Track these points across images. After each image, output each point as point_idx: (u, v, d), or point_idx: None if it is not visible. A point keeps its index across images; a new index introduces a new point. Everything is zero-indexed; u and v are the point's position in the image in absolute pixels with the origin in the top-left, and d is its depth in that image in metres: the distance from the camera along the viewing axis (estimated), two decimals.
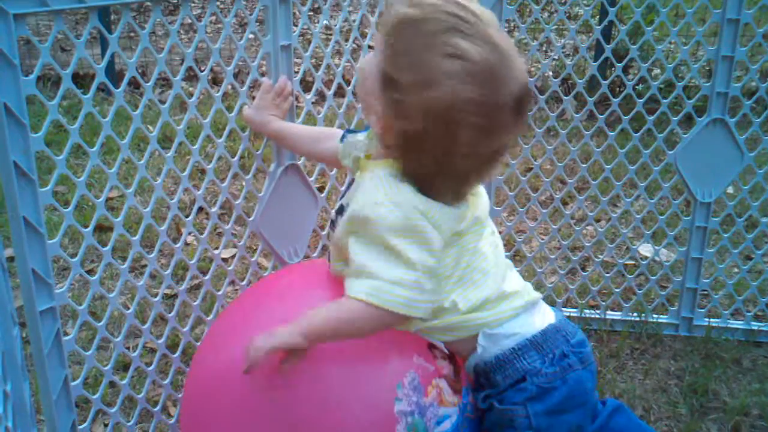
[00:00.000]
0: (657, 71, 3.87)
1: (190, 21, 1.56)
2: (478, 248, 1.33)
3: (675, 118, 2.26)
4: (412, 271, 1.22)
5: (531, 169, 2.44)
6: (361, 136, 1.44)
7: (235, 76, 1.68)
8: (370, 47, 1.37)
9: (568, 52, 4.92)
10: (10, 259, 1.41)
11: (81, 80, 3.98)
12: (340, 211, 1.34)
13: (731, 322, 2.43)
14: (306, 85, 1.82)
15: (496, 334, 1.32)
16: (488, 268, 1.34)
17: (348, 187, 1.39)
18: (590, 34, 3.55)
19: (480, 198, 1.37)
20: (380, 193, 1.24)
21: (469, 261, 1.31)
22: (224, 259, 1.81)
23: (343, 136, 1.52)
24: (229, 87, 1.70)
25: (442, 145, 1.19)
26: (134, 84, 1.50)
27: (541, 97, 2.26)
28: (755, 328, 2.40)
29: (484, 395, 1.34)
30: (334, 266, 1.37)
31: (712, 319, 2.43)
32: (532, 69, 4.72)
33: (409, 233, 1.22)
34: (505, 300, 1.34)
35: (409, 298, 1.22)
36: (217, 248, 1.76)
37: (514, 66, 1.19)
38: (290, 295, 1.40)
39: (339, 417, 1.22)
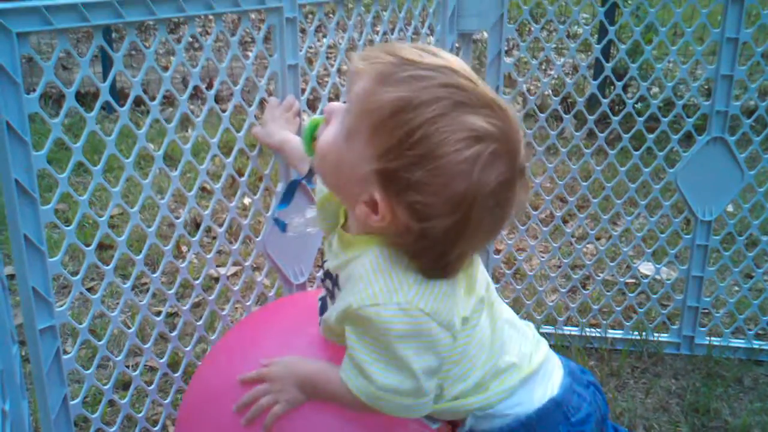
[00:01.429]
0: (656, 90, 3.89)
1: (191, 39, 1.57)
2: (474, 332, 1.21)
3: (675, 137, 2.27)
4: (411, 379, 1.14)
5: (531, 187, 2.44)
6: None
7: (240, 95, 1.68)
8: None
9: (567, 71, 4.94)
10: (11, 276, 1.41)
11: (82, 98, 3.99)
12: (329, 276, 1.25)
13: (732, 340, 2.42)
14: (309, 104, 1.83)
15: (486, 415, 1.25)
16: (482, 350, 1.23)
17: (329, 246, 1.28)
18: (590, 53, 3.57)
19: (477, 268, 1.24)
20: (380, 290, 1.11)
21: (464, 350, 1.20)
22: (228, 278, 1.80)
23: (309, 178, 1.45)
24: (234, 106, 1.70)
25: (458, 231, 1.08)
26: (135, 102, 1.50)
27: (542, 115, 2.27)
28: (756, 346, 2.40)
29: None
30: (326, 335, 1.28)
31: (713, 338, 2.42)
32: (532, 88, 4.74)
33: (413, 340, 1.12)
34: (498, 378, 1.24)
35: (404, 404, 1.16)
36: (219, 266, 1.76)
37: (515, 120, 1.10)
38: (292, 323, 1.39)
39: None
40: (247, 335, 1.39)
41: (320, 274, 1.31)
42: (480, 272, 1.25)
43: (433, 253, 1.10)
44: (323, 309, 1.30)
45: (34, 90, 1.31)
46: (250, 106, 1.70)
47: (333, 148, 1.13)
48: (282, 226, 1.69)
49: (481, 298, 1.22)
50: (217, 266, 1.78)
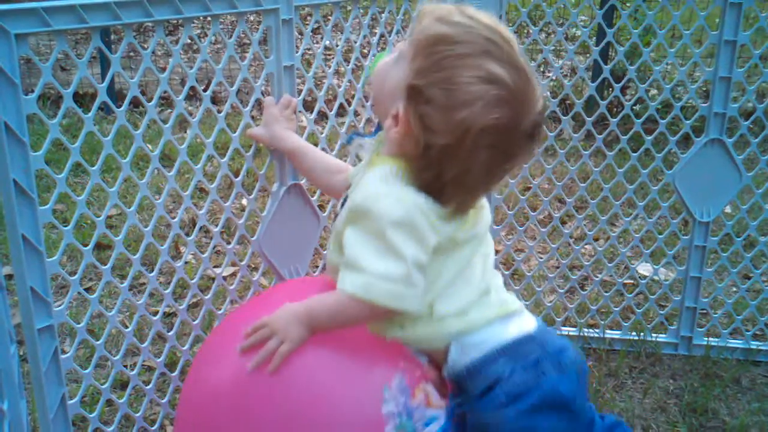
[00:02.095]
0: (655, 92, 3.89)
1: (189, 41, 1.57)
2: (469, 261, 1.35)
3: (673, 138, 2.27)
4: (403, 264, 1.24)
5: (530, 188, 2.45)
6: (368, 140, 1.47)
7: (236, 95, 1.69)
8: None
9: (566, 73, 4.95)
10: (9, 276, 1.42)
11: (80, 99, 3.99)
12: (344, 202, 1.38)
13: (730, 341, 2.43)
14: (306, 105, 1.83)
15: (465, 344, 1.33)
16: (473, 280, 1.35)
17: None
18: (588, 55, 3.57)
19: (483, 211, 1.39)
20: (385, 187, 1.28)
21: (457, 271, 1.33)
22: (224, 278, 1.81)
23: (351, 138, 1.53)
24: (231, 107, 1.70)
25: (462, 162, 1.23)
26: (133, 103, 1.50)
27: None
28: (754, 347, 2.40)
29: (457, 403, 1.35)
30: (331, 256, 1.38)
31: (711, 339, 2.42)
32: None
33: (405, 228, 1.24)
34: (479, 308, 1.35)
35: (396, 291, 1.24)
36: (216, 267, 1.76)
37: (537, 92, 1.26)
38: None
39: (329, 414, 1.24)
40: (243, 321, 1.39)
41: (338, 203, 1.44)
42: (484, 219, 1.39)
43: (431, 172, 1.26)
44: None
45: (33, 91, 1.31)
46: (247, 107, 1.70)
47: (385, 67, 1.34)
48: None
49: (479, 236, 1.37)
50: (215, 266, 1.78)
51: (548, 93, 4.15)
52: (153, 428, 1.71)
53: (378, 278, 1.24)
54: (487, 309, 1.35)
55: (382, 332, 1.33)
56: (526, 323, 1.39)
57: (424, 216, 1.26)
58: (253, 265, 2.39)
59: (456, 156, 1.23)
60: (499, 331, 1.35)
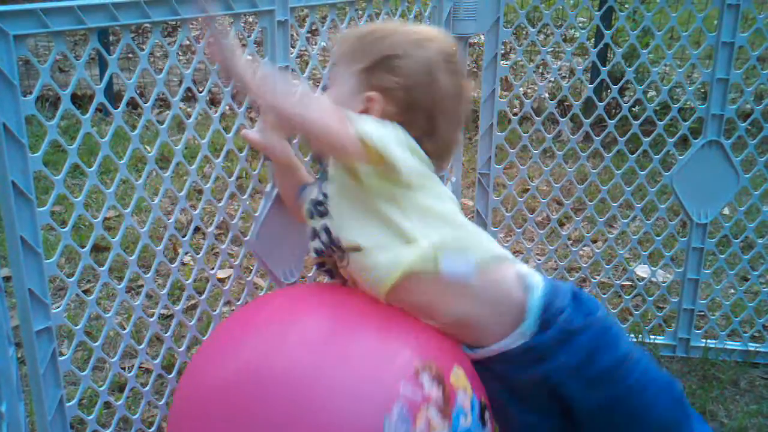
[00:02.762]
0: (652, 93, 3.90)
1: (188, 42, 1.57)
2: (444, 191, 1.47)
3: (671, 140, 2.28)
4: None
5: (528, 190, 2.45)
6: (314, 185, 1.55)
7: (233, 97, 1.69)
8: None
9: (564, 75, 4.95)
10: (7, 278, 1.41)
11: (79, 100, 3.99)
12: (319, 202, 1.49)
13: (728, 343, 2.43)
14: None
15: (532, 307, 1.39)
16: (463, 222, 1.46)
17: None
18: (586, 57, 3.58)
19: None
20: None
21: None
22: (220, 280, 1.81)
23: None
24: (227, 108, 1.70)
25: (437, 90, 1.44)
26: (132, 104, 1.50)
27: (538, 118, 2.28)
28: (752, 349, 2.40)
29: (555, 366, 1.37)
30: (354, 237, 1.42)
31: (709, 340, 2.43)
32: (529, 91, 4.75)
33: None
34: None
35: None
36: (213, 268, 1.76)
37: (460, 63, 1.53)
38: (277, 318, 1.38)
39: None
40: (237, 330, 1.38)
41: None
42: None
43: (420, 131, 1.43)
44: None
45: (31, 92, 1.31)
46: (240, 108, 1.70)
47: (330, 95, 1.50)
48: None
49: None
50: (211, 268, 1.78)
51: (546, 94, 4.16)
52: (150, 430, 1.71)
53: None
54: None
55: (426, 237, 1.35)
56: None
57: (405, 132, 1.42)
58: (249, 267, 2.39)
59: (431, 88, 1.43)
60: (536, 279, 1.44)
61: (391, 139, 1.36)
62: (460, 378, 1.33)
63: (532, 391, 1.43)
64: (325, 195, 1.46)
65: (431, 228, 1.36)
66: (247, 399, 1.23)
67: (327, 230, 1.44)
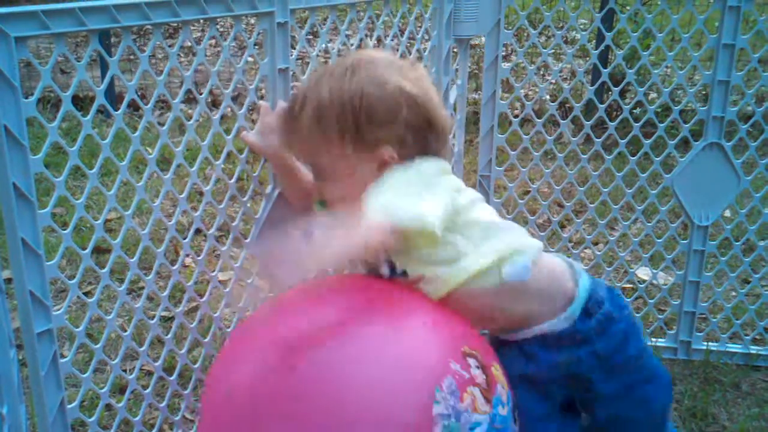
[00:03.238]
0: (653, 95, 3.90)
1: (189, 44, 1.57)
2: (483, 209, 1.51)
3: (672, 142, 2.28)
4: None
5: (528, 192, 2.44)
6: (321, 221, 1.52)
7: (234, 99, 1.69)
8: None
9: (565, 77, 4.95)
10: (8, 280, 1.41)
11: (80, 102, 3.99)
12: None
13: (729, 345, 2.43)
14: None
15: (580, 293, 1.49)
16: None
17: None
18: (587, 59, 3.57)
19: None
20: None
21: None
22: (221, 282, 1.81)
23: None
24: (228, 110, 1.70)
25: (420, 113, 1.44)
26: (133, 106, 1.50)
27: (539, 120, 2.28)
28: (754, 351, 2.40)
29: (591, 350, 1.48)
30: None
31: (710, 343, 2.42)
32: (530, 93, 4.75)
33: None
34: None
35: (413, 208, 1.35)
36: (213, 270, 1.76)
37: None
38: (304, 312, 1.40)
39: (377, 411, 1.22)
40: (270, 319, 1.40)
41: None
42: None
43: (417, 140, 1.44)
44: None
45: (32, 94, 1.31)
46: (241, 109, 1.70)
47: (340, 188, 1.48)
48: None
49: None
50: (212, 270, 1.78)
51: (547, 96, 4.16)
52: None
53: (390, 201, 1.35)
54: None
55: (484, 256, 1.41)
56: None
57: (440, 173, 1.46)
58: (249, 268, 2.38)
59: (418, 109, 1.43)
60: (585, 278, 1.52)
61: (414, 201, 1.35)
62: (498, 372, 1.40)
63: (551, 375, 1.50)
64: None
65: (484, 240, 1.43)
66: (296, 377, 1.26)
67: (391, 264, 1.46)
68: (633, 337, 1.53)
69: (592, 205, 2.36)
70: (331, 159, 1.46)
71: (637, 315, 2.43)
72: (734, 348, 2.42)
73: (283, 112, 1.54)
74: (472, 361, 1.34)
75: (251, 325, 1.44)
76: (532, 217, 2.39)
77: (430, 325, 1.36)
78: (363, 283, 1.47)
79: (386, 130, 1.41)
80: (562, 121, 2.31)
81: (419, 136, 1.44)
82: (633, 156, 2.30)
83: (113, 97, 3.98)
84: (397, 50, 2.06)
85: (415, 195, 1.36)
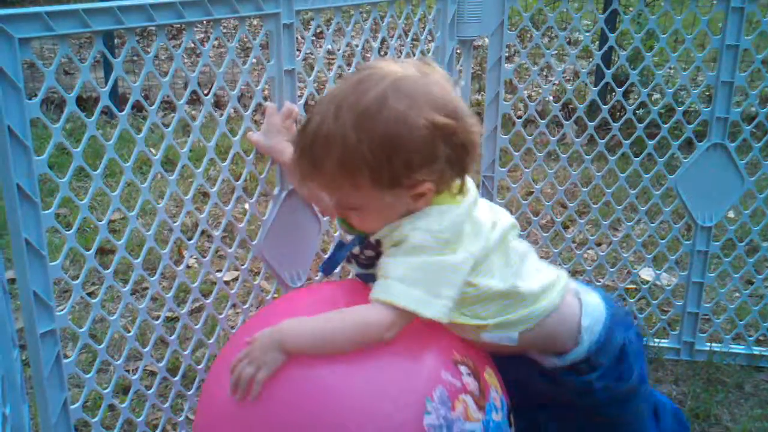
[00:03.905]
0: (657, 96, 3.89)
1: (192, 45, 1.58)
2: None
3: (675, 143, 2.27)
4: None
5: (532, 192, 2.44)
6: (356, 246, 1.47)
7: (238, 99, 1.69)
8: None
9: (568, 77, 4.95)
10: (12, 281, 1.41)
11: (84, 103, 4.00)
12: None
13: (733, 346, 2.42)
14: (307, 109, 1.83)
15: (590, 326, 1.48)
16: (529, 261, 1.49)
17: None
18: (590, 60, 3.57)
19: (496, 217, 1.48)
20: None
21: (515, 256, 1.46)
22: (226, 282, 1.81)
23: (342, 257, 1.51)
24: (233, 111, 1.71)
25: (452, 138, 1.31)
26: (137, 107, 1.50)
27: (542, 121, 2.28)
28: (757, 352, 2.40)
29: (598, 376, 1.48)
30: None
31: (713, 344, 2.42)
32: (533, 94, 4.75)
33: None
34: (553, 287, 1.48)
35: (416, 296, 1.30)
36: (219, 271, 1.76)
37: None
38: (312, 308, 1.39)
39: (369, 425, 1.22)
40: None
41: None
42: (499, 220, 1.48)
43: (450, 165, 1.33)
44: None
45: (36, 95, 1.32)
46: (246, 110, 1.70)
47: (362, 213, 1.37)
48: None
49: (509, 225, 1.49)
50: (217, 271, 1.79)
51: (551, 97, 4.15)
52: None
53: (398, 282, 1.30)
54: (556, 285, 1.49)
55: (484, 320, 1.39)
56: (581, 286, 1.57)
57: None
58: (255, 270, 2.39)
59: (449, 135, 1.31)
60: (596, 302, 1.52)
61: (425, 297, 1.30)
62: (492, 377, 1.40)
63: (547, 389, 1.53)
64: None
65: (486, 310, 1.41)
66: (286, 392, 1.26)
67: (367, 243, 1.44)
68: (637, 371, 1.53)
69: (595, 206, 2.35)
70: (360, 199, 1.34)
71: (641, 316, 2.43)
72: (737, 349, 2.42)
73: (298, 150, 1.35)
74: (463, 369, 1.34)
75: (250, 330, 1.44)
76: (536, 218, 2.39)
77: (419, 335, 1.33)
78: (358, 291, 1.42)
79: (426, 172, 1.30)
80: (565, 122, 2.31)
81: (457, 163, 1.34)
82: (636, 157, 2.30)
83: (117, 98, 3.99)
84: (401, 52, 2.06)
85: (427, 283, 1.30)
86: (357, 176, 1.29)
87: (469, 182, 1.44)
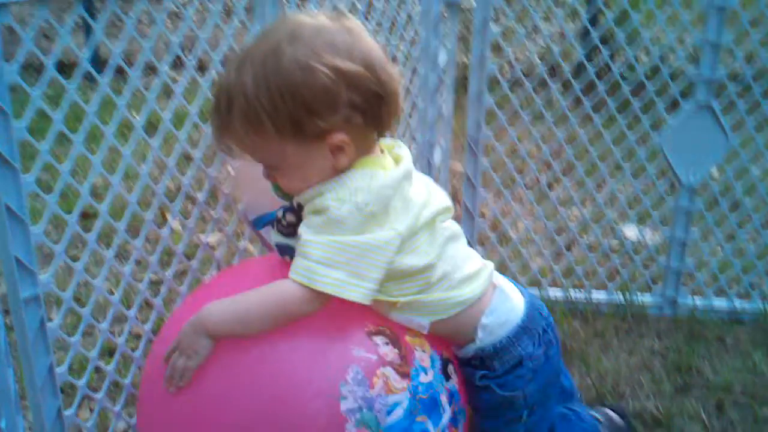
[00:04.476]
0: (644, 57, 3.87)
1: (175, 9, 1.56)
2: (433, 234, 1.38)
3: (661, 103, 2.27)
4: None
5: (516, 151, 2.45)
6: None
7: (222, 63, 1.67)
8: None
9: (555, 39, 4.91)
10: None
11: (65, 68, 3.94)
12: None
13: (715, 301, 2.45)
14: None
15: (489, 325, 1.41)
16: (458, 247, 1.42)
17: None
18: (578, 21, 3.55)
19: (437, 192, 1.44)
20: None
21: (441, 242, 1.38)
22: (210, 246, 1.81)
23: (260, 224, 1.53)
24: (216, 74, 1.69)
25: (366, 84, 1.25)
26: (119, 71, 1.49)
27: (528, 83, 2.27)
28: (738, 306, 2.43)
29: (481, 375, 1.43)
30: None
31: (696, 298, 2.45)
32: (520, 56, 4.71)
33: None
34: (476, 276, 1.41)
35: (341, 279, 1.25)
36: (203, 232, 1.76)
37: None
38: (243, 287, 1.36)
39: (282, 417, 1.21)
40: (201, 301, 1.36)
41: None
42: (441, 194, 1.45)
43: (370, 114, 1.27)
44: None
45: (15, 60, 1.30)
46: None
47: (286, 173, 1.32)
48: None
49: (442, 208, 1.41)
50: (200, 233, 1.79)
51: (537, 59, 4.13)
52: None
53: (318, 264, 1.24)
54: (481, 274, 1.42)
55: (395, 297, 1.32)
56: (511, 286, 1.49)
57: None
58: (239, 232, 2.39)
59: (361, 80, 1.24)
60: (512, 305, 1.45)
61: (346, 277, 1.24)
62: (415, 337, 1.36)
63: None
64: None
65: (400, 289, 1.33)
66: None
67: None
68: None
69: (580, 165, 2.36)
70: (276, 155, 1.29)
71: (624, 272, 2.45)
72: (719, 303, 2.45)
73: (212, 111, 1.33)
74: (379, 339, 1.29)
75: (190, 304, 1.42)
76: (521, 177, 2.39)
77: (327, 312, 1.27)
78: (279, 269, 1.36)
79: (328, 118, 1.24)
80: (551, 84, 2.30)
81: (369, 112, 1.27)
82: (622, 117, 2.30)
83: (98, 62, 3.94)
84: (386, 14, 2.04)
85: (350, 265, 1.24)
86: (260, 127, 1.25)
87: (405, 155, 1.38)
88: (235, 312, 1.27)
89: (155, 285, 1.80)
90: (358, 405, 1.21)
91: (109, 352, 1.96)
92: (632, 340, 2.32)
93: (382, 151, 1.37)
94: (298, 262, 1.26)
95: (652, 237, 2.62)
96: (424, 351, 1.34)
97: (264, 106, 1.22)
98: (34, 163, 1.37)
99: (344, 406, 1.21)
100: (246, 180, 1.61)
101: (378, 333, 1.30)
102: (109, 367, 1.63)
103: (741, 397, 2.06)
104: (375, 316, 1.33)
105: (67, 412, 1.51)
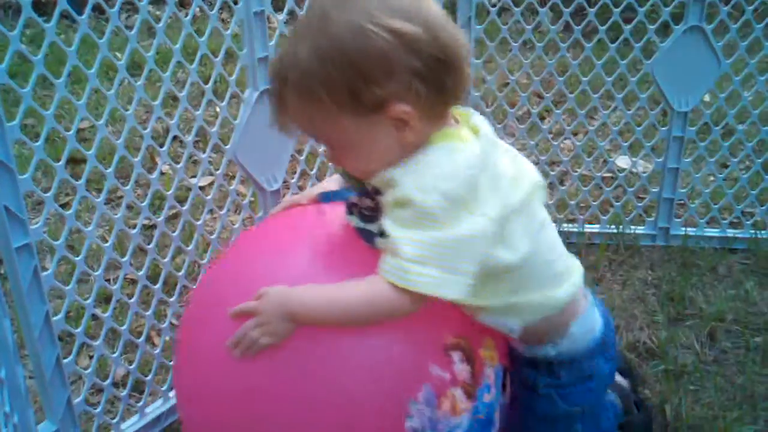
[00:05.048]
0: None
1: None
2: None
3: (652, 27, 2.24)
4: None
5: (507, 84, 2.41)
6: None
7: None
8: None
9: None
10: None
11: (45, 8, 3.83)
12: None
13: (707, 230, 2.46)
14: None
15: (576, 333, 1.33)
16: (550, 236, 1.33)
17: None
18: None
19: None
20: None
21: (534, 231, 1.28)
22: (201, 188, 1.79)
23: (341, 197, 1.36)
24: (198, 10, 1.64)
25: (428, 48, 1.13)
26: (98, 10, 1.44)
27: (517, 9, 2.23)
28: (730, 235, 2.44)
29: (546, 383, 1.36)
30: None
31: (688, 228, 2.45)
32: None
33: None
34: (569, 273, 1.33)
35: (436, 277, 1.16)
36: (193, 177, 1.74)
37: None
38: (279, 254, 1.31)
39: (346, 422, 1.16)
40: (242, 260, 1.33)
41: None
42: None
43: (434, 85, 1.15)
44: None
45: None
46: (212, 11, 1.64)
47: (349, 153, 1.22)
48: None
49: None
50: (191, 176, 1.76)
51: None
52: (140, 340, 1.72)
53: (413, 263, 1.14)
54: (572, 274, 1.34)
55: (486, 300, 1.24)
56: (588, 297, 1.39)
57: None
58: (231, 174, 2.36)
59: (420, 44, 1.13)
60: (596, 315, 1.37)
61: (441, 275, 1.14)
62: (488, 349, 1.29)
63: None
64: None
65: (493, 290, 1.25)
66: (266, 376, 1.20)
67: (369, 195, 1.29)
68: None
69: (571, 95, 2.33)
70: (335, 131, 1.19)
71: (617, 203, 2.45)
72: (712, 232, 2.45)
73: (269, 93, 1.24)
74: (455, 356, 1.22)
75: (221, 280, 1.35)
76: (512, 110, 2.36)
77: (408, 319, 1.18)
78: (347, 247, 1.28)
79: (386, 86, 1.12)
80: (540, 9, 2.26)
81: (432, 80, 1.14)
82: (613, 42, 2.26)
83: (76, 1, 3.83)
84: None
85: (444, 260, 1.14)
86: (316, 101, 1.15)
87: (483, 124, 1.27)
88: (329, 307, 1.18)
89: (148, 230, 1.78)
90: (422, 425, 1.17)
91: (105, 299, 1.95)
92: (625, 271, 2.33)
93: (456, 122, 1.25)
94: (388, 260, 1.16)
95: (644, 167, 2.61)
96: (492, 366, 1.28)
97: (317, 76, 1.13)
98: (16, 108, 1.33)
99: (409, 423, 1.17)
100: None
101: (455, 348, 1.22)
102: (106, 314, 1.62)
103: (733, 326, 2.08)
104: (457, 322, 1.25)
105: (66, 360, 1.51)
